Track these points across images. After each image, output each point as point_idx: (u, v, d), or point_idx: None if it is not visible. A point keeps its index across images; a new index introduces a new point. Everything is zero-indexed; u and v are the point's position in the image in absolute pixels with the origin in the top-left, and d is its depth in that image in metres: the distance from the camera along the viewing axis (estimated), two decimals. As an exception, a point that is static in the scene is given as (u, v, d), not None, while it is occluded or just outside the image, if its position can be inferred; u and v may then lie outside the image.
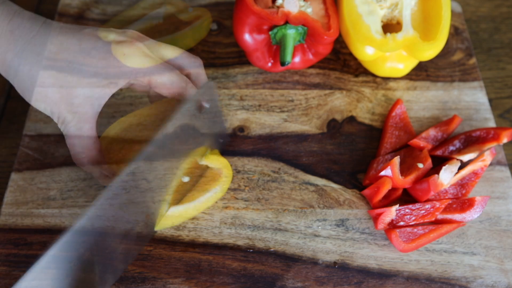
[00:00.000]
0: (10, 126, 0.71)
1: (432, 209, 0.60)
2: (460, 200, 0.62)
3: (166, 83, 0.54)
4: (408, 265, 0.59)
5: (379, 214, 0.59)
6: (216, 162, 0.61)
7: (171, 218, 0.60)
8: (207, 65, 0.74)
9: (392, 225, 0.60)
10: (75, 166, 0.64)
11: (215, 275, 0.58)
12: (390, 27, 0.70)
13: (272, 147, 0.67)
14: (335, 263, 0.59)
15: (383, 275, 0.58)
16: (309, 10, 0.67)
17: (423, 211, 0.61)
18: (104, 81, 0.52)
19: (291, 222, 0.62)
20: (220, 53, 0.75)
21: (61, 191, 0.63)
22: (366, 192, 0.62)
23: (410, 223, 0.61)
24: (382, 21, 0.69)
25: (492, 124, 0.70)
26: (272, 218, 0.62)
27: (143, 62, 0.53)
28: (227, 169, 0.61)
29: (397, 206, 0.60)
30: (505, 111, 0.74)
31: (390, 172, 0.60)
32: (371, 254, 0.60)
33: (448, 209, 0.61)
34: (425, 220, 0.61)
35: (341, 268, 0.59)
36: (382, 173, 0.60)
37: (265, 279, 0.58)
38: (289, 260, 0.59)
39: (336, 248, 0.60)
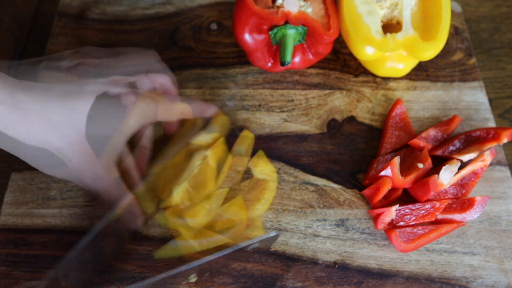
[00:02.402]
0: (10, 126, 0.71)
1: (432, 209, 0.60)
2: (460, 200, 0.62)
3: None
4: (408, 265, 0.59)
5: (379, 214, 0.59)
6: (264, 172, 0.60)
7: (173, 249, 0.58)
8: (207, 65, 0.74)
9: (392, 225, 0.60)
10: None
11: (215, 275, 0.58)
12: (390, 27, 0.70)
13: (272, 147, 0.67)
14: (335, 263, 0.59)
15: (383, 275, 0.58)
16: (309, 10, 0.67)
17: (423, 211, 0.61)
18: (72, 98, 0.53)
19: (291, 222, 0.62)
20: (220, 53, 0.75)
21: (61, 191, 0.63)
22: (366, 192, 0.62)
23: (410, 223, 0.61)
24: (382, 21, 0.69)
25: (492, 124, 0.70)
26: (272, 218, 0.62)
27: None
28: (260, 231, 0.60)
29: (397, 206, 0.59)
30: (505, 111, 0.74)
31: (390, 172, 0.60)
32: (371, 254, 0.60)
33: (448, 209, 0.61)
34: (425, 220, 0.61)
35: (341, 268, 0.59)
36: (382, 173, 0.60)
37: (265, 279, 0.58)
38: (289, 260, 0.59)
39: (336, 248, 0.60)
